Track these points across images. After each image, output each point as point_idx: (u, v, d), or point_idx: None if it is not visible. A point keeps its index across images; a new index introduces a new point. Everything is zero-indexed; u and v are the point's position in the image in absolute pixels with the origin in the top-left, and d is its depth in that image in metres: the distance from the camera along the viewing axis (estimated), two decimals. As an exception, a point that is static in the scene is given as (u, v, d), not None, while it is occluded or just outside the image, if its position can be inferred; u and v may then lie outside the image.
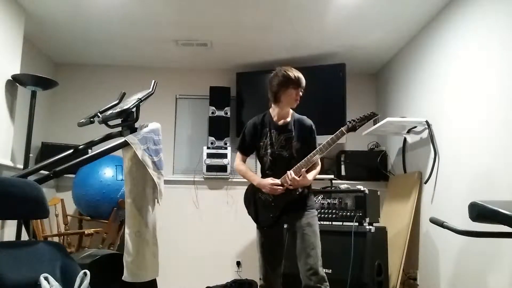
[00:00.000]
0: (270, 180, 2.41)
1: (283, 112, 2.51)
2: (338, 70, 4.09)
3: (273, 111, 2.54)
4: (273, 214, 2.44)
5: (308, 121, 2.54)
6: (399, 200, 3.62)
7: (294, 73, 2.45)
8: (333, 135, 2.36)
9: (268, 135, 2.50)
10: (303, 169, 2.34)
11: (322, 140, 2.56)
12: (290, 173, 2.35)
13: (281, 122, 2.51)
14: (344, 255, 2.97)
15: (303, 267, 2.30)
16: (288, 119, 2.52)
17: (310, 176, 2.39)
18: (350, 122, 2.38)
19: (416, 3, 3.10)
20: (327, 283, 2.30)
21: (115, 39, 3.86)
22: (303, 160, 2.37)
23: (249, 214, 2.58)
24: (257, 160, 2.64)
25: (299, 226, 2.37)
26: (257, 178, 2.50)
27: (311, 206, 2.46)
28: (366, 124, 2.46)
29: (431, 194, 3.20)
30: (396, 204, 3.67)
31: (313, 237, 2.34)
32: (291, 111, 2.55)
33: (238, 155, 2.62)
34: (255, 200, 2.52)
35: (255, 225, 2.55)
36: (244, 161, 2.61)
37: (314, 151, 2.37)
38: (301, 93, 2.47)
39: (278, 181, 2.39)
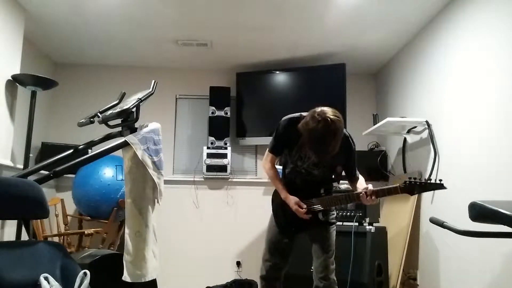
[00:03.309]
0: (296, 204, 2.25)
1: None
2: (338, 70, 4.09)
3: None
4: (295, 228, 2.39)
5: (350, 139, 2.27)
6: (399, 200, 3.62)
7: (319, 144, 2.03)
8: (385, 188, 2.14)
9: (302, 148, 2.24)
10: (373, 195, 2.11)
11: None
12: (368, 192, 2.10)
13: None
14: (344, 255, 2.97)
15: (316, 269, 2.31)
16: None
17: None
18: (409, 181, 2.04)
19: (416, 3, 3.10)
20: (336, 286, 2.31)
21: (115, 39, 3.86)
22: (349, 194, 2.20)
23: (272, 212, 2.47)
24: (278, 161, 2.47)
25: (319, 230, 2.36)
26: (284, 192, 2.32)
27: (332, 223, 2.41)
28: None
29: (431, 194, 3.20)
30: (396, 204, 3.67)
31: (330, 240, 2.34)
32: None
33: (268, 154, 2.40)
34: (282, 207, 2.38)
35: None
36: (274, 162, 2.40)
37: (360, 196, 2.16)
38: None
39: (304, 207, 2.25)
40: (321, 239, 2.34)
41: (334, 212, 2.44)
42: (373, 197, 2.12)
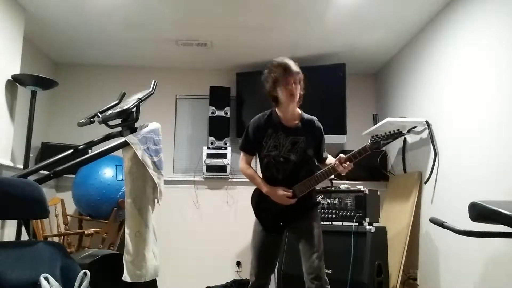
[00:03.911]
0: (281, 191, 2.30)
1: (289, 113, 2.34)
2: (338, 70, 4.09)
3: (279, 110, 2.37)
4: (283, 222, 2.37)
5: (318, 124, 2.41)
6: (399, 200, 3.62)
7: (278, 65, 2.29)
8: (355, 151, 2.23)
9: (274, 136, 2.34)
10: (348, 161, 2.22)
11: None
12: (345, 162, 2.21)
13: (289, 123, 2.34)
14: (344, 255, 2.97)
15: (307, 271, 2.30)
16: (297, 121, 2.35)
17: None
18: (373, 138, 2.24)
19: (416, 3, 3.10)
20: (329, 286, 2.30)
21: (115, 39, 3.86)
22: (325, 170, 2.29)
23: (256, 217, 2.45)
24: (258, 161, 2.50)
25: (304, 227, 2.34)
26: (265, 186, 2.34)
27: (314, 204, 2.44)
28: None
29: (431, 194, 3.20)
30: (396, 204, 3.67)
31: (317, 239, 2.32)
32: (299, 110, 2.38)
33: (243, 156, 2.44)
34: (264, 205, 2.38)
35: (254, 224, 2.52)
36: (249, 162, 2.44)
37: (335, 166, 2.24)
38: (294, 84, 2.26)
39: (289, 191, 2.30)
40: (309, 234, 2.32)
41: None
42: (347, 163, 2.22)
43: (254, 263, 2.39)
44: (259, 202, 2.42)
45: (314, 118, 2.42)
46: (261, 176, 2.43)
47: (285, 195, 2.30)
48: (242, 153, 2.46)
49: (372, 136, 2.26)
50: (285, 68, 2.27)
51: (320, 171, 2.33)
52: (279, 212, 2.34)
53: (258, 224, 2.42)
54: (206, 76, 4.52)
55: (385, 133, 2.25)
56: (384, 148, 4.16)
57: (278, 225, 2.38)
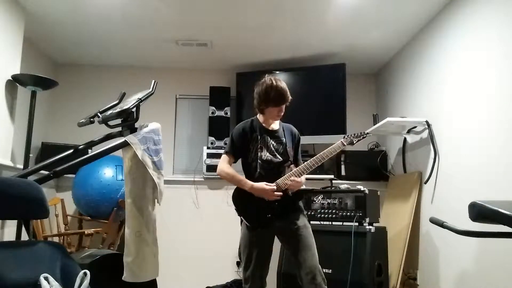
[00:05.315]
0: (264, 185, 2.33)
1: (270, 120, 2.51)
2: (338, 70, 4.09)
3: (260, 117, 2.52)
4: (271, 214, 2.36)
5: (295, 129, 2.60)
6: (399, 200, 3.62)
7: (276, 90, 2.37)
8: (330, 147, 2.41)
9: (259, 139, 2.45)
10: (304, 175, 2.38)
11: (318, 140, 2.56)
12: (293, 174, 2.37)
13: (271, 127, 2.50)
14: (344, 255, 2.97)
15: (303, 271, 2.30)
16: (277, 127, 2.52)
17: (303, 178, 2.42)
18: (348, 137, 2.49)
19: (416, 3, 3.10)
20: (326, 284, 2.31)
21: (115, 39, 3.86)
22: (303, 166, 2.40)
23: (239, 215, 2.45)
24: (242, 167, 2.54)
25: (295, 227, 2.35)
26: (249, 183, 2.36)
27: (302, 209, 2.49)
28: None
29: (431, 194, 3.20)
30: (396, 204, 3.67)
31: (310, 239, 2.35)
32: None
33: (225, 158, 2.47)
34: (249, 200, 2.38)
35: (241, 228, 2.51)
36: (230, 164, 2.47)
37: (315, 158, 2.39)
38: (283, 108, 2.45)
39: (272, 185, 2.35)
40: (298, 235, 2.33)
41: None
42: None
43: (248, 267, 2.40)
44: (243, 198, 2.41)
45: (291, 125, 2.61)
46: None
47: (270, 189, 2.33)
48: (223, 156, 2.49)
49: (346, 135, 2.52)
50: (282, 96, 2.38)
51: (305, 162, 2.41)
52: (265, 207, 2.36)
53: (245, 228, 2.43)
54: (206, 76, 4.52)
55: (355, 133, 2.53)
56: (384, 148, 4.21)
57: (266, 218, 2.37)
